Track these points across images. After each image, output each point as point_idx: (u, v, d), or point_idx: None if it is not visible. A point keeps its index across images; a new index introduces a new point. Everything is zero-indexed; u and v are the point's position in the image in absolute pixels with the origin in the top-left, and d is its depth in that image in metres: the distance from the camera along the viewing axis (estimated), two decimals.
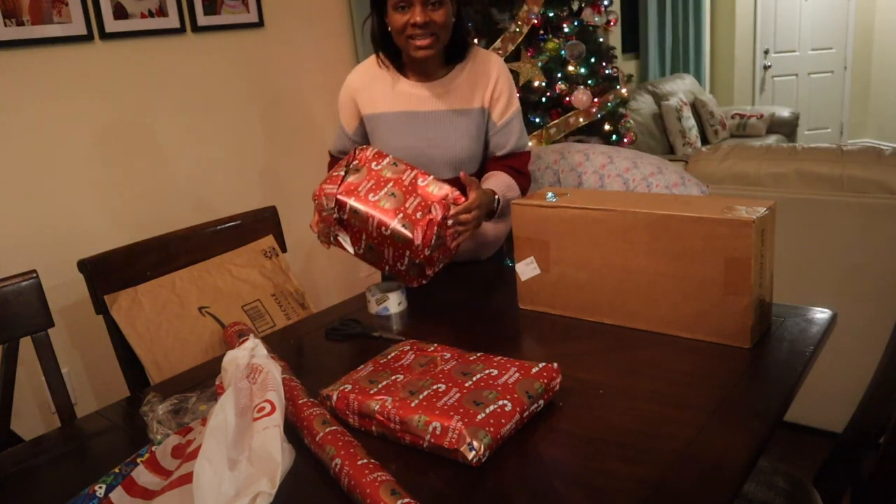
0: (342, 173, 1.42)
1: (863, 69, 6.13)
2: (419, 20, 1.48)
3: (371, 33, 1.62)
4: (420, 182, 1.41)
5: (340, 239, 1.44)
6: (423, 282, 1.44)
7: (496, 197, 1.54)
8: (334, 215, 1.39)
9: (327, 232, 1.43)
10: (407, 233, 1.34)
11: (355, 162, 1.44)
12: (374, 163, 1.44)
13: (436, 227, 1.36)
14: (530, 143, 2.86)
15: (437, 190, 1.40)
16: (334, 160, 1.80)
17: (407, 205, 1.37)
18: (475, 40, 2.90)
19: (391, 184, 1.39)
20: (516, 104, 1.68)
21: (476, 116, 1.64)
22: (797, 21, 5.95)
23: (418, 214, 1.36)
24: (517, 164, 1.68)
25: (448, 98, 1.63)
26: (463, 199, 1.40)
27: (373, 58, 1.67)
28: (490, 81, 1.63)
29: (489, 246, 1.77)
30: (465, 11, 2.91)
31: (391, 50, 1.61)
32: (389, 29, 1.54)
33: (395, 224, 1.34)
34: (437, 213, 1.37)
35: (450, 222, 1.38)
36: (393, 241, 1.36)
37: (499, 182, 1.60)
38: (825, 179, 2.12)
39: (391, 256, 1.39)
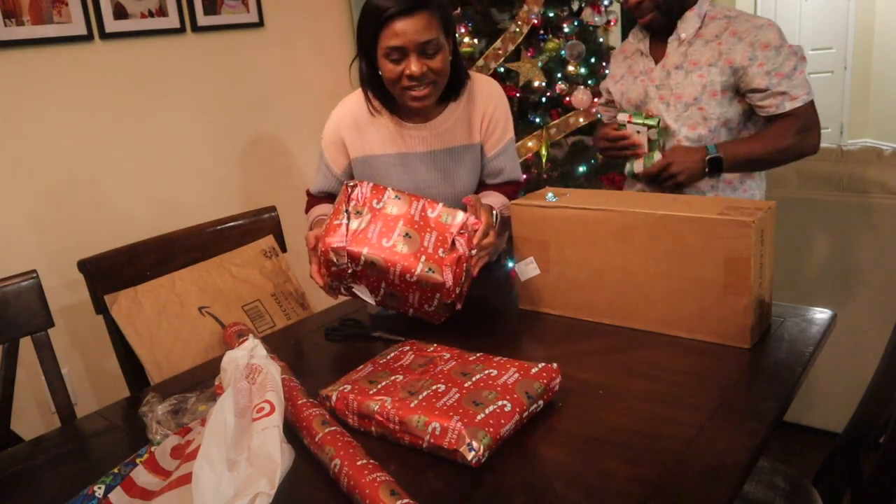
0: (344, 221, 1.28)
1: (863, 69, 6.13)
2: (416, 71, 1.37)
3: (360, 76, 1.50)
4: (430, 213, 1.30)
5: (356, 291, 1.32)
6: (448, 315, 1.34)
7: (495, 212, 1.44)
8: (348, 270, 1.28)
9: (337, 285, 1.32)
10: (436, 276, 1.24)
11: (353, 203, 1.30)
12: (374, 200, 1.30)
13: (465, 263, 1.27)
14: (530, 143, 2.86)
15: (450, 219, 1.30)
16: (315, 201, 1.67)
17: (426, 244, 1.26)
18: (475, 38, 2.90)
19: (401, 222, 1.28)
20: (510, 134, 1.61)
21: (474, 152, 1.59)
22: (797, 21, 5.96)
23: (441, 252, 1.26)
24: (508, 193, 1.62)
25: (445, 137, 1.55)
26: (478, 222, 1.30)
27: (360, 94, 1.55)
28: (486, 114, 1.56)
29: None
30: (466, 11, 2.92)
31: (383, 93, 1.50)
32: (381, 74, 1.44)
33: (421, 270, 1.23)
34: (463, 249, 1.27)
35: (473, 252, 1.28)
36: (420, 287, 1.26)
37: (495, 200, 1.54)
38: (825, 179, 2.12)
39: (417, 300, 1.30)
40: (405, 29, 1.35)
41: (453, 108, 1.55)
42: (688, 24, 1.67)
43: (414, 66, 1.37)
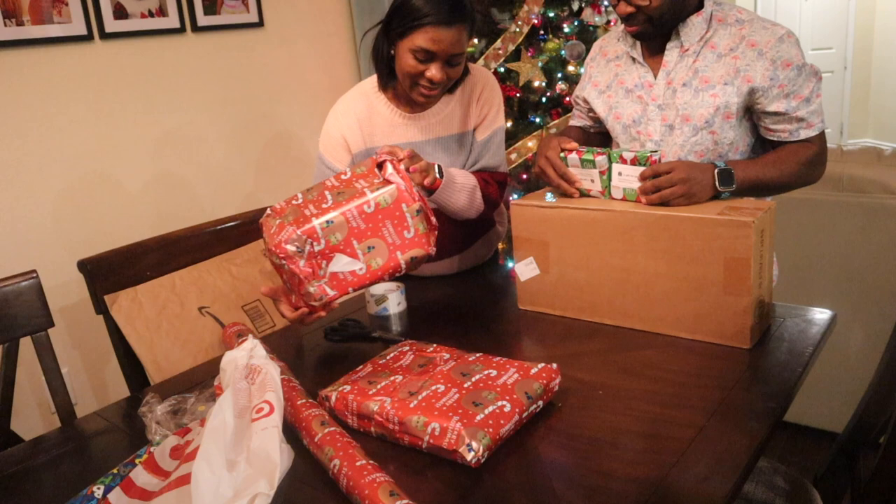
0: (274, 226, 1.16)
1: (863, 69, 6.13)
2: (437, 77, 1.40)
3: (376, 52, 1.51)
4: (344, 176, 1.21)
5: (336, 269, 1.14)
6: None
7: (436, 164, 1.42)
8: (314, 250, 1.13)
9: (317, 289, 1.14)
10: (387, 186, 1.14)
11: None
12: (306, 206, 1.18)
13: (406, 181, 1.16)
14: (530, 143, 2.85)
15: (364, 168, 1.22)
16: None
17: (358, 186, 1.17)
18: (475, 38, 2.90)
19: (325, 191, 1.18)
20: (500, 122, 1.61)
21: (470, 139, 1.61)
22: (797, 21, 5.95)
23: (374, 179, 1.17)
24: (485, 177, 1.59)
25: (445, 124, 1.58)
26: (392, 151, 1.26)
27: (356, 91, 1.59)
28: (479, 99, 1.59)
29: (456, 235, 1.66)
30: None
31: (391, 74, 1.52)
32: (396, 60, 1.46)
33: (372, 196, 1.13)
34: (390, 158, 1.19)
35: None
36: (384, 212, 1.15)
37: (452, 168, 1.52)
38: (825, 179, 2.12)
39: (393, 232, 1.17)
40: (441, 38, 1.37)
41: (448, 98, 1.59)
42: (692, 32, 1.41)
43: (437, 72, 1.41)
